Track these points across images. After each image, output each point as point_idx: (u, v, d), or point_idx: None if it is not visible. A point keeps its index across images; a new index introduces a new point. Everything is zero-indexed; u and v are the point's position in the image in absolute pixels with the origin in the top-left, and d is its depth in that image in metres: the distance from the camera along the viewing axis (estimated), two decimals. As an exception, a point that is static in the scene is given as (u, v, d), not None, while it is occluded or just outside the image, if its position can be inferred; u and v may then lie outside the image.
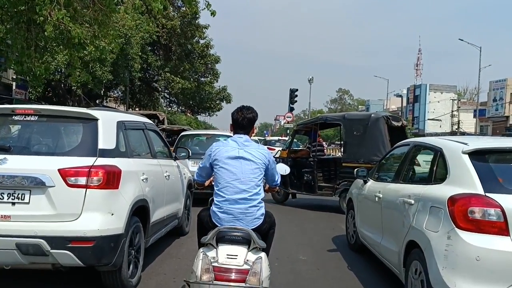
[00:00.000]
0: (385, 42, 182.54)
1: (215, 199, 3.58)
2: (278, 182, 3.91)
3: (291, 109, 26.84)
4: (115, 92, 43.83)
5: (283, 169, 4.33)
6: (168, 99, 43.55)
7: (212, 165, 3.64)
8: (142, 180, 4.81)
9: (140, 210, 4.70)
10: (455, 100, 61.58)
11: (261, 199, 3.59)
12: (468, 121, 60.15)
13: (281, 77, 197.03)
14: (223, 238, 3.29)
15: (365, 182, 5.89)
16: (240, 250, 3.23)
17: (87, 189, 4.01)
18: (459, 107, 58.72)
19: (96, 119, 4.37)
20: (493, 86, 51.51)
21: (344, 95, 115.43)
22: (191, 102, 40.20)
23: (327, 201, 11.17)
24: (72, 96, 30.25)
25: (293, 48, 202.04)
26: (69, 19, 8.35)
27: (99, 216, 4.05)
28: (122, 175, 4.30)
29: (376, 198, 5.14)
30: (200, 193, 8.84)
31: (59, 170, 3.97)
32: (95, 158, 4.15)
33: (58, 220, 3.96)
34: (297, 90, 26.55)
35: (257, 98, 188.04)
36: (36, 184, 3.94)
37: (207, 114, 44.01)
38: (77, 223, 3.97)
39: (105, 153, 4.26)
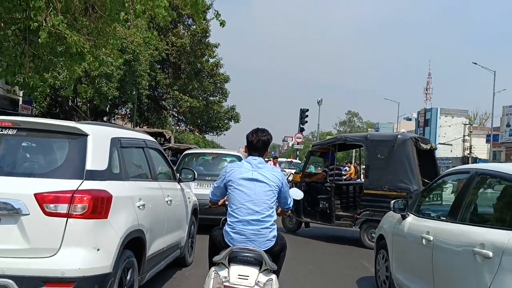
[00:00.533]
0: (394, 67, 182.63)
1: (228, 219, 3.59)
2: (291, 205, 3.91)
3: (301, 130, 26.12)
4: (123, 109, 43.54)
5: (296, 193, 4.26)
6: (176, 118, 43.11)
7: (227, 185, 3.65)
8: (139, 206, 4.09)
9: (134, 242, 3.97)
10: (467, 124, 60.59)
11: (274, 221, 3.59)
12: (480, 146, 59.08)
13: (289, 98, 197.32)
14: (235, 258, 3.31)
15: (404, 217, 4.86)
16: (251, 271, 3.26)
17: (69, 219, 3.32)
18: (471, 131, 57.71)
19: (86, 135, 3.70)
20: (506, 111, 50.58)
21: (353, 118, 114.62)
22: (199, 121, 39.69)
23: (345, 231, 10.05)
24: (78, 112, 29.80)
25: (302, 71, 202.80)
26: (65, 25, 7.72)
27: (81, 251, 3.35)
28: (113, 201, 3.59)
29: (424, 240, 4.01)
30: (206, 219, 8.16)
31: (35, 194, 3.29)
32: (81, 181, 3.46)
33: (31, 256, 3.26)
34: (307, 110, 25.92)
35: (265, 118, 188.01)
36: (7, 211, 3.26)
37: (215, 133, 43.43)
38: (54, 260, 3.27)
39: (94, 175, 3.56)
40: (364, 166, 10.20)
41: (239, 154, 9.38)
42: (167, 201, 5.06)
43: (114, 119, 48.08)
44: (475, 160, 55.11)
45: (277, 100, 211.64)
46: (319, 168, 16.91)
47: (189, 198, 6.23)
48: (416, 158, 8.08)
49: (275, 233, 3.59)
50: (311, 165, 23.72)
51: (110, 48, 9.23)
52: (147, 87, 31.33)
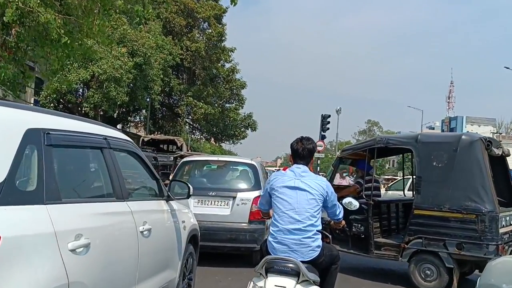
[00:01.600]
0: (415, 77, 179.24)
1: (271, 228, 3.52)
2: (341, 216, 3.75)
3: (322, 137, 24.17)
4: (136, 117, 42.25)
5: (350, 203, 4.25)
6: (191, 126, 41.61)
7: (270, 194, 3.59)
8: (73, 250, 2.34)
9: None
10: (495, 133, 57.81)
11: (317, 231, 3.43)
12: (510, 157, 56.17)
13: (307, 108, 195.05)
14: (272, 269, 3.25)
15: None
16: (288, 282, 3.17)
17: None
18: (501, 141, 54.86)
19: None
20: (538, 119, 47.92)
21: (373, 127, 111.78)
22: (214, 129, 38.09)
23: (386, 264, 7.62)
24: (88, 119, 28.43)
25: (320, 82, 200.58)
26: (38, 1, 6.07)
27: None
28: (3, 246, 1.84)
29: None
30: (208, 247, 6.38)
31: None
32: None
33: None
34: (329, 116, 24.01)
35: (283, 127, 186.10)
36: None
37: (231, 142, 41.79)
38: None
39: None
40: (413, 178, 7.74)
41: (253, 163, 7.37)
42: (142, 231, 3.30)
43: (128, 127, 46.98)
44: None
45: (294, 109, 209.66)
46: (347, 178, 14.36)
47: (183, 222, 4.44)
48: (489, 166, 5.96)
49: (319, 243, 3.44)
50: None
51: (96, 30, 7.51)
52: (160, 93, 29.84)
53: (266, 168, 26.25)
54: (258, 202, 3.91)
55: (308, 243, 3.37)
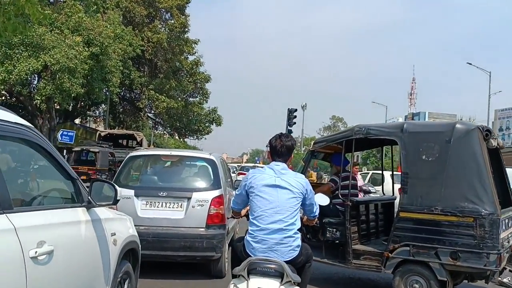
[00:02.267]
0: (378, 73, 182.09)
1: (249, 228, 3.40)
2: (317, 213, 3.69)
3: (289, 132, 23.45)
4: (96, 111, 40.45)
5: (321, 199, 3.96)
6: (153, 120, 40.16)
7: (248, 192, 3.47)
8: None
9: None
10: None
11: (297, 230, 3.40)
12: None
13: (273, 104, 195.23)
14: (255, 270, 3.12)
15: None
16: (272, 284, 3.07)
17: None
18: (462, 136, 55.73)
19: None
20: (499, 115, 48.82)
21: (338, 123, 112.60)
22: (178, 124, 36.79)
23: (365, 274, 6.45)
24: (43, 113, 26.67)
25: (286, 78, 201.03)
26: None
27: None
28: None
29: None
30: (158, 256, 5.69)
31: None
32: None
33: None
34: (296, 110, 23.29)
35: (249, 123, 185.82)
36: None
37: (195, 137, 40.59)
38: None
39: None
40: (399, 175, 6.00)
41: (212, 158, 6.33)
42: (34, 257, 2.31)
43: (87, 122, 45.03)
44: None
45: (260, 105, 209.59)
46: (324, 176, 13.28)
47: (113, 234, 3.48)
48: (488, 161, 5.01)
49: (299, 242, 3.38)
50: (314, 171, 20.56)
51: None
52: (119, 85, 28.37)
53: (231, 165, 25.39)
54: (232, 201, 3.73)
55: (289, 243, 3.31)
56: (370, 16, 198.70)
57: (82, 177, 14.50)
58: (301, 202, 3.43)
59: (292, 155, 3.58)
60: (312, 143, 6.77)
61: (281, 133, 3.64)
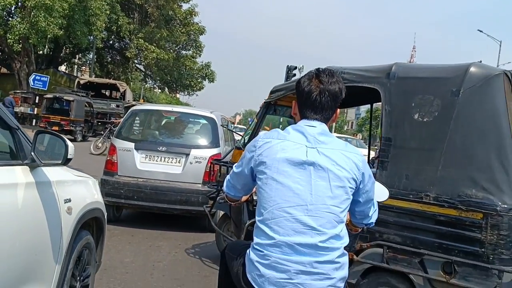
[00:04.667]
0: (378, 41, 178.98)
1: (255, 238, 1.87)
2: (374, 219, 2.09)
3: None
4: (82, 59, 38.19)
5: (381, 193, 2.31)
6: (143, 72, 38.01)
7: (256, 172, 1.92)
8: None
9: None
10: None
11: (344, 250, 1.86)
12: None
13: (270, 66, 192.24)
14: None
15: None
16: None
17: None
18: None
19: None
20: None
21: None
22: (168, 77, 34.78)
23: None
24: (20, 56, 24.47)
25: (283, 41, 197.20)
26: None
27: None
28: None
29: None
30: (154, 207, 6.03)
31: None
32: None
33: None
34: (295, 68, 21.25)
35: (243, 83, 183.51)
36: None
37: (186, 92, 38.70)
38: None
39: None
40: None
41: (212, 116, 6.51)
42: None
43: (71, 69, 42.74)
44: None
45: (255, 66, 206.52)
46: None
47: (67, 201, 2.82)
48: None
49: (345, 272, 1.85)
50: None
51: None
52: (105, 30, 26.18)
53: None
54: (225, 182, 2.22)
55: (327, 273, 1.80)
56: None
57: (53, 128, 12.55)
58: (352, 198, 1.92)
59: (338, 112, 2.03)
60: (270, 91, 4.86)
61: (318, 68, 2.02)
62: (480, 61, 3.80)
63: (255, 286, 1.87)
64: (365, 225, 2.18)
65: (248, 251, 1.92)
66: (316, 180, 1.84)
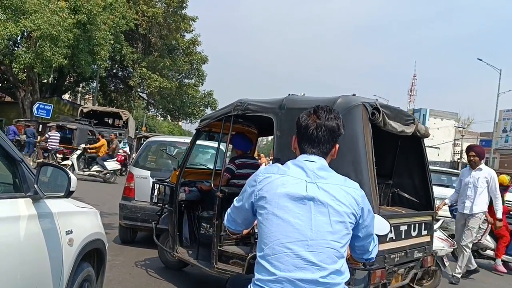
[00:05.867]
0: (380, 67, 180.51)
1: (256, 274, 1.88)
2: (374, 254, 2.11)
3: (288, 120, 21.77)
4: (85, 87, 38.59)
5: (382, 226, 2.51)
6: (145, 101, 38.32)
7: (256, 207, 1.94)
8: None
9: None
10: (459, 128, 57.38)
11: (345, 284, 1.89)
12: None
13: (272, 92, 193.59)
14: None
15: None
16: None
17: None
18: (463, 135, 54.41)
19: None
20: (504, 115, 47.33)
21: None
22: (171, 105, 35.02)
23: None
24: (24, 85, 24.77)
25: (285, 66, 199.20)
26: None
27: None
28: None
29: None
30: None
31: None
32: None
33: None
34: (297, 95, 21.51)
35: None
36: None
37: (188, 120, 38.86)
38: None
39: None
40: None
41: (221, 148, 6.04)
42: None
43: (75, 98, 43.12)
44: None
45: (257, 91, 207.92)
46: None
47: (69, 232, 2.83)
48: (372, 149, 4.00)
49: None
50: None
51: None
52: (109, 59, 26.54)
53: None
54: (226, 216, 2.23)
55: None
56: (375, 9, 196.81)
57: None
58: (351, 233, 1.95)
59: (337, 146, 2.10)
60: (200, 119, 5.64)
61: (318, 106, 2.10)
62: (354, 94, 4.31)
63: None
64: (365, 260, 2.19)
65: (249, 286, 1.93)
66: (316, 215, 1.86)
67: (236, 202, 2.13)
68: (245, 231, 2.35)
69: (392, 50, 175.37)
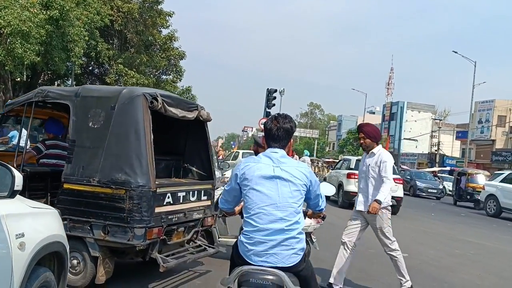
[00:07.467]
0: (358, 64, 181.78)
1: (244, 228, 2.95)
2: (323, 206, 3.28)
3: (267, 114, 21.55)
4: (61, 85, 37.76)
5: (328, 189, 3.97)
6: (123, 98, 37.71)
7: (241, 186, 3.01)
8: None
9: None
10: (436, 120, 58.19)
11: (302, 230, 2.95)
12: (447, 143, 56.98)
13: (250, 89, 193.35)
14: (248, 282, 2.77)
15: None
16: None
17: None
18: (440, 127, 55.21)
19: None
20: (479, 107, 48.14)
21: (315, 110, 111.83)
22: (148, 102, 34.50)
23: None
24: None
25: (264, 65, 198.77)
26: None
27: None
28: None
29: None
30: None
31: None
32: None
33: None
34: (275, 91, 21.51)
35: (225, 107, 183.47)
36: None
37: (167, 117, 38.45)
38: None
39: None
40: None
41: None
42: None
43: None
44: (443, 157, 52.77)
45: (236, 90, 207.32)
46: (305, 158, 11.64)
47: (20, 235, 2.68)
48: (150, 130, 4.75)
49: (303, 244, 2.92)
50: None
51: None
52: (83, 56, 26.00)
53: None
54: (220, 200, 3.28)
55: (291, 245, 2.87)
56: (353, 8, 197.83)
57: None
58: (304, 196, 3.02)
59: (292, 141, 3.23)
60: (6, 104, 6.38)
61: (278, 113, 3.18)
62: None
63: (245, 258, 2.86)
64: (319, 211, 3.31)
65: (239, 236, 2.96)
66: (281, 187, 2.91)
67: (226, 187, 3.15)
68: (236, 209, 3.31)
69: (371, 47, 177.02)
